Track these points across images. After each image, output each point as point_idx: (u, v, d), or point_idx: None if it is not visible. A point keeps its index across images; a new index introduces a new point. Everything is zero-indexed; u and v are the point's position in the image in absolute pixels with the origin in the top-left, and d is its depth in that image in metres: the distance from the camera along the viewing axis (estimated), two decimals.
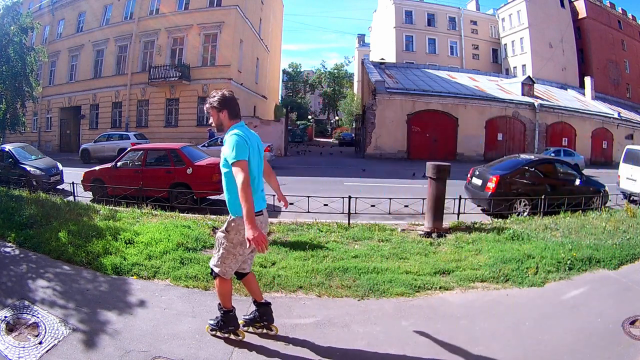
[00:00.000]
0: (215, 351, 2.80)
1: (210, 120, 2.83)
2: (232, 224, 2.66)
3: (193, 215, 6.64)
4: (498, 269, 4.27)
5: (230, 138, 2.61)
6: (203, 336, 2.97)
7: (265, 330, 3.01)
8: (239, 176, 2.44)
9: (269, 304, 2.99)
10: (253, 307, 3.03)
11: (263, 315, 2.98)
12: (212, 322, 2.96)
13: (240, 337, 2.89)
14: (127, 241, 4.80)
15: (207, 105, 2.79)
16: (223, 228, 2.72)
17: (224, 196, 2.73)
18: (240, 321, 2.99)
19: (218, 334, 2.91)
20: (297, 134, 38.02)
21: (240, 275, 2.93)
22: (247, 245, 2.44)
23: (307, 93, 59.30)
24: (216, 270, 2.74)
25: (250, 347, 2.85)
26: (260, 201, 2.74)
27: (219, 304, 2.88)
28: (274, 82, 38.34)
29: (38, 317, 3.12)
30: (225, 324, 2.88)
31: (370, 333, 3.10)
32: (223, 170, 2.67)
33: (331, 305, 3.55)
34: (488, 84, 27.28)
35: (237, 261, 2.74)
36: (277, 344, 2.90)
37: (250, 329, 3.02)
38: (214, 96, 2.78)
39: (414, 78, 25.87)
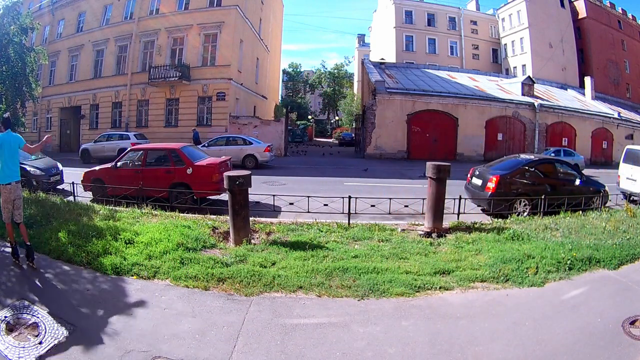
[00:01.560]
0: (215, 351, 2.80)
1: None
2: None
3: (193, 215, 6.64)
4: (498, 269, 4.27)
5: None
6: (203, 336, 2.97)
7: None
8: None
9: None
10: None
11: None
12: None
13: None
14: (127, 241, 4.80)
15: None
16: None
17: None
18: None
19: None
20: (297, 134, 38.00)
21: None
22: None
23: (307, 93, 59.27)
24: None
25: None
26: None
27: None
28: (274, 82, 38.33)
29: (38, 317, 3.12)
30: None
31: (370, 333, 3.10)
32: None
33: (331, 305, 3.55)
34: (488, 84, 27.27)
35: None
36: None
37: None
38: None
39: (414, 78, 25.86)
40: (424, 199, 6.22)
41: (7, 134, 4.17)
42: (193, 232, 5.23)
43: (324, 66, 58.25)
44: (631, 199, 9.85)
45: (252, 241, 5.16)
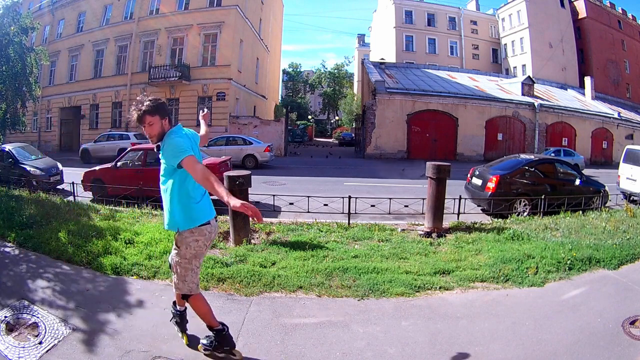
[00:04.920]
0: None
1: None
2: (180, 238, 2.52)
3: None
4: (498, 269, 4.27)
5: (168, 138, 2.45)
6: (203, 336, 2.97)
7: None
8: (196, 168, 2.29)
9: (226, 328, 2.71)
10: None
11: (222, 342, 2.68)
12: (205, 341, 2.73)
13: (237, 358, 2.68)
14: (127, 241, 4.80)
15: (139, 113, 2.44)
16: (174, 252, 2.57)
17: (165, 209, 2.53)
18: (199, 346, 2.76)
19: (215, 353, 2.69)
20: (297, 134, 38.01)
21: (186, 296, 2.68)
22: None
23: (307, 93, 59.27)
24: (180, 291, 2.60)
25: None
26: (209, 208, 2.61)
27: (208, 325, 2.68)
28: (274, 82, 38.34)
29: (38, 317, 3.12)
30: (220, 344, 2.67)
31: (370, 333, 3.09)
32: (163, 182, 2.51)
33: (331, 305, 3.55)
34: (488, 84, 27.28)
35: (196, 274, 2.61)
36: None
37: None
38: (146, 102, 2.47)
39: (414, 78, 25.86)
40: (424, 199, 6.22)
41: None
42: None
43: (324, 66, 58.32)
44: (631, 199, 9.86)
45: (252, 241, 5.16)
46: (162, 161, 2.48)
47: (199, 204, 2.54)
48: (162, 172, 2.52)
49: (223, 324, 2.70)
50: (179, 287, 2.59)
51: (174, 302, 2.82)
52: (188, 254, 2.53)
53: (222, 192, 2.16)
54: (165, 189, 2.51)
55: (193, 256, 2.54)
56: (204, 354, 2.72)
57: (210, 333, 2.70)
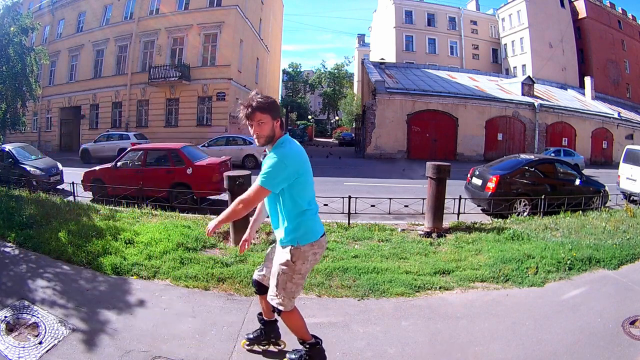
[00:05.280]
0: (215, 351, 2.80)
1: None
2: (297, 253, 2.31)
3: (193, 215, 6.63)
4: (498, 269, 4.27)
5: (278, 148, 2.27)
6: (203, 336, 2.97)
7: (271, 347, 2.76)
8: (252, 199, 2.25)
9: (276, 320, 2.71)
10: (258, 324, 2.80)
11: (270, 333, 2.74)
12: (293, 356, 2.57)
13: None
14: (127, 241, 4.80)
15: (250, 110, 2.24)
16: (284, 260, 2.33)
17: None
18: (244, 340, 2.80)
19: None
20: (297, 134, 37.99)
21: (261, 288, 2.60)
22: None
23: (307, 93, 59.25)
24: (283, 308, 2.37)
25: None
26: (319, 218, 2.46)
27: (300, 339, 2.51)
28: (274, 82, 38.34)
29: (38, 317, 3.12)
30: (312, 358, 2.50)
31: (370, 333, 3.09)
32: (271, 196, 2.31)
33: (331, 305, 3.55)
34: (488, 84, 27.28)
35: (300, 290, 2.46)
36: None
37: (255, 347, 2.77)
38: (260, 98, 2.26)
39: (414, 78, 25.86)
40: (424, 199, 6.22)
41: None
42: (193, 232, 5.23)
43: (324, 66, 58.29)
44: (631, 199, 9.86)
45: (252, 241, 5.15)
46: None
47: (315, 215, 2.39)
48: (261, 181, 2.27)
49: (316, 337, 2.54)
50: (285, 304, 2.36)
51: (300, 340, 2.53)
52: (304, 268, 2.36)
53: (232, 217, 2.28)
54: (277, 202, 2.32)
55: (307, 270, 2.41)
56: None
57: (300, 347, 2.55)
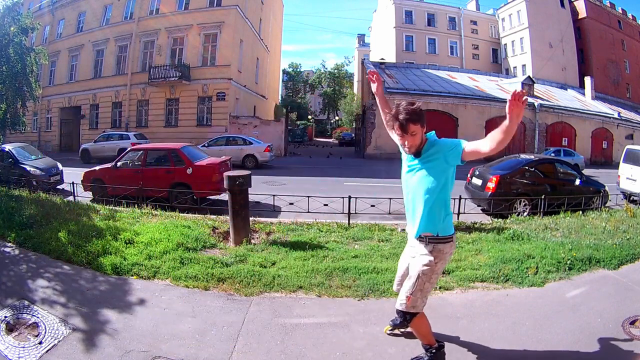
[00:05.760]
0: (215, 351, 2.80)
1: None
2: (436, 251, 2.32)
3: (193, 215, 6.64)
4: (498, 269, 4.27)
5: (438, 141, 2.35)
6: (203, 336, 2.97)
7: None
8: (480, 141, 2.16)
9: (443, 343, 2.60)
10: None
11: None
12: None
13: None
14: (127, 241, 4.80)
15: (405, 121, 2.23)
16: (426, 260, 2.32)
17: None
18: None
19: None
20: (297, 134, 38.05)
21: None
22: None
23: (307, 93, 59.26)
24: (416, 310, 2.38)
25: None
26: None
27: (426, 345, 2.54)
28: (274, 82, 38.33)
29: (38, 317, 3.12)
30: None
31: (370, 333, 3.09)
32: (424, 187, 2.33)
33: (331, 305, 3.55)
34: (488, 84, 27.27)
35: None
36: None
37: None
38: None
39: (414, 78, 25.86)
40: None
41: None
42: (193, 232, 5.23)
43: (324, 66, 58.31)
44: (631, 199, 9.86)
45: (252, 241, 5.16)
46: (421, 166, 2.36)
47: (450, 213, 2.45)
48: (421, 177, 2.36)
49: (439, 340, 2.57)
50: (416, 305, 2.37)
51: (401, 320, 2.52)
52: (441, 267, 2.40)
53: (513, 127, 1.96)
54: (425, 192, 2.34)
55: (441, 269, 2.42)
56: None
57: (422, 352, 2.59)
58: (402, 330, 2.93)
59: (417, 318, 2.44)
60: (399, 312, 2.45)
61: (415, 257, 2.43)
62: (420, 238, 2.38)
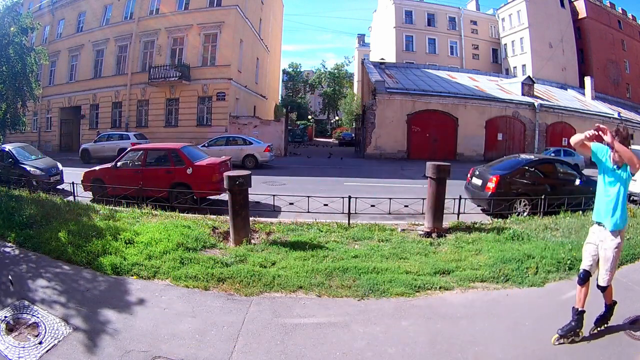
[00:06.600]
0: (215, 351, 2.80)
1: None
2: (621, 235, 3.07)
3: (193, 215, 6.64)
4: (498, 269, 4.27)
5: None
6: (203, 336, 2.97)
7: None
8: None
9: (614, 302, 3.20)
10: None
11: (609, 314, 3.22)
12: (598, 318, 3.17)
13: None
14: (127, 241, 4.80)
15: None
16: (614, 244, 3.01)
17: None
18: (555, 335, 3.04)
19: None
20: (297, 134, 38.01)
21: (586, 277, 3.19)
22: None
23: (307, 93, 59.26)
24: (609, 283, 3.07)
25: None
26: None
27: (608, 303, 3.16)
28: (274, 82, 38.33)
29: (38, 317, 3.12)
30: (609, 315, 3.19)
31: (370, 333, 3.09)
32: (612, 190, 3.16)
33: (331, 305, 3.55)
34: (488, 84, 27.27)
35: None
36: None
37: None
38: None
39: (414, 78, 25.85)
40: (424, 199, 6.22)
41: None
42: (193, 232, 5.23)
43: (324, 66, 58.28)
44: (631, 199, 9.85)
45: (252, 241, 5.16)
46: (619, 171, 3.13)
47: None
48: (613, 181, 3.21)
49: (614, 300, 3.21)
50: (609, 278, 3.04)
51: (607, 304, 3.19)
52: (622, 246, 3.11)
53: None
54: (617, 194, 3.14)
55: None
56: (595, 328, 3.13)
57: (602, 311, 3.18)
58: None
59: (609, 286, 3.12)
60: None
61: (606, 239, 3.09)
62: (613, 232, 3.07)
